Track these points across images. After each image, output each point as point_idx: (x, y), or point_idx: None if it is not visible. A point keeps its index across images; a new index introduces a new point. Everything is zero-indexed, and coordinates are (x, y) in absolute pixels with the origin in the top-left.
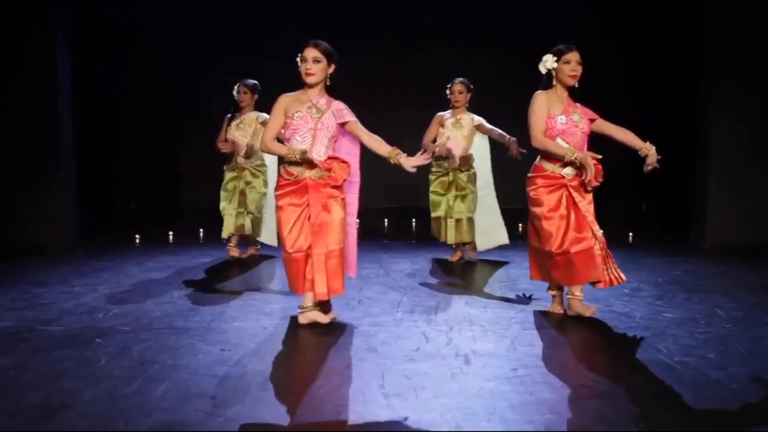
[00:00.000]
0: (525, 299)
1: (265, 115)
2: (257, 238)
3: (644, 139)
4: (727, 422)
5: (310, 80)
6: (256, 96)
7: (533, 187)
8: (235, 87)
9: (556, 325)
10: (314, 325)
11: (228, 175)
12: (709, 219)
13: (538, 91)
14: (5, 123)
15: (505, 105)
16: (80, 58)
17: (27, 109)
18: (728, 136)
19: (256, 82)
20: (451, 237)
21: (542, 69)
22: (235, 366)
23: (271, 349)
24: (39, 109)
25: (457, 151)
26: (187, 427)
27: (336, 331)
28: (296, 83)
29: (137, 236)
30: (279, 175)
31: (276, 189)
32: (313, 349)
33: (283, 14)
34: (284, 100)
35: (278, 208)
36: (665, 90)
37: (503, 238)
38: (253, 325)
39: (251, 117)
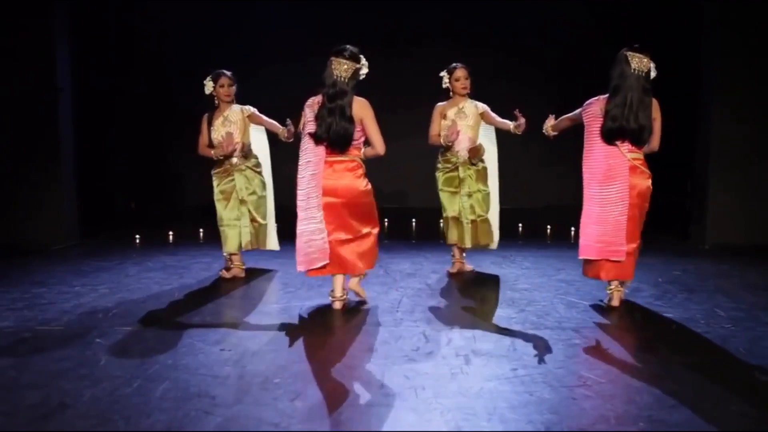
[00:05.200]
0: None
1: (251, 108)
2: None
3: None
4: (727, 422)
5: None
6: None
7: None
8: (210, 81)
9: (555, 325)
10: (313, 326)
11: (220, 180)
12: (709, 219)
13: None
14: (5, 122)
15: (507, 105)
16: (80, 58)
17: (26, 109)
18: (729, 135)
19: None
20: (468, 240)
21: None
22: (235, 366)
23: (271, 349)
24: (39, 109)
25: (464, 143)
26: (187, 427)
27: (336, 331)
28: (296, 83)
29: (137, 236)
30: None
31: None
32: (313, 349)
33: (282, 15)
34: None
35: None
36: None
37: (493, 243)
38: (253, 325)
39: (236, 111)
